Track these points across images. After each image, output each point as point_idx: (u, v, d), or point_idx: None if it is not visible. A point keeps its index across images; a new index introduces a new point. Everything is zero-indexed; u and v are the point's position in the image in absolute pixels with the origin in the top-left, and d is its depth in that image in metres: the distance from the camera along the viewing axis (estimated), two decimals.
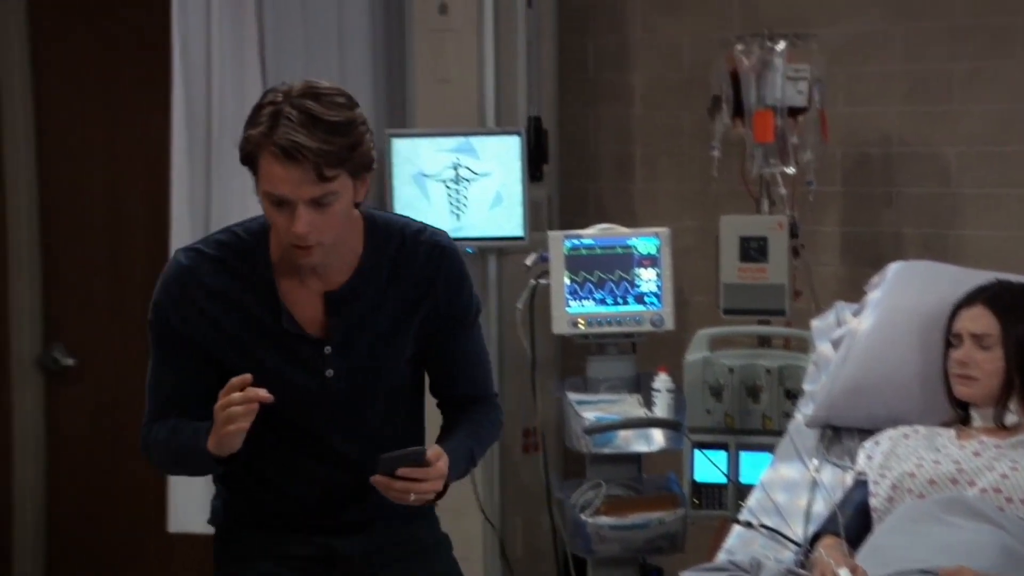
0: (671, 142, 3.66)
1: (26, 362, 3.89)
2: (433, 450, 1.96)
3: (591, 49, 3.73)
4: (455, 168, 3.39)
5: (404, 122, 3.55)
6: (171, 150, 3.33)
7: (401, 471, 1.91)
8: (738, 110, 3.18)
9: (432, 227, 2.08)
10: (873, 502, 2.25)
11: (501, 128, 3.43)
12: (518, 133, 3.38)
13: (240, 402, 1.88)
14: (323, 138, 1.86)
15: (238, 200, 3.18)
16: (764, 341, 3.29)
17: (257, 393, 1.89)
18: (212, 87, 3.28)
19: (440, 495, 1.99)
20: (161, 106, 3.37)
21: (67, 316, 3.87)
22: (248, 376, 1.90)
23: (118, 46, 3.80)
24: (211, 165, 3.31)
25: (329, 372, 2.01)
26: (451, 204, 3.40)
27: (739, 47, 3.16)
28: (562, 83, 3.64)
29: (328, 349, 2.00)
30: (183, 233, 3.23)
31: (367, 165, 1.94)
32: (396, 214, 2.12)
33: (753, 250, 3.16)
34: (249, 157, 1.92)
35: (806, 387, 2.70)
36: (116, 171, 3.88)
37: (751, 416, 3.11)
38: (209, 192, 3.32)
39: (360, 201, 1.98)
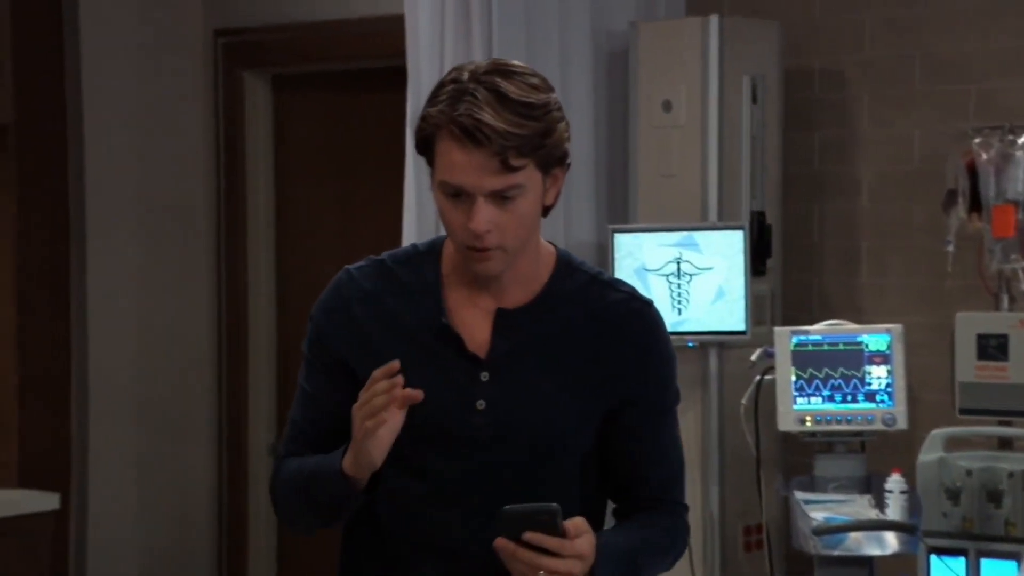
0: (900, 236, 3.58)
1: (260, 449, 4.09)
2: (574, 521, 1.60)
3: (816, 143, 3.70)
4: (677, 263, 3.39)
5: (626, 217, 3.58)
6: (401, 242, 3.45)
7: (529, 536, 1.57)
8: (975, 204, 3.10)
9: (635, 289, 1.79)
10: None
11: (724, 223, 3.42)
12: (741, 228, 3.37)
13: (385, 390, 1.59)
14: (512, 120, 1.59)
15: None
16: (1005, 443, 3.15)
17: (408, 392, 1.59)
18: None
19: None
20: (394, 193, 3.48)
21: None
22: (396, 363, 1.61)
23: (354, 123, 4.00)
24: None
25: (480, 403, 1.69)
26: (673, 298, 3.40)
27: (977, 140, 3.09)
28: (786, 177, 3.61)
29: (485, 375, 1.70)
30: None
31: (560, 159, 1.66)
32: None
33: (992, 348, 3.05)
34: (425, 141, 1.64)
35: None
36: (347, 263, 4.05)
37: (992, 521, 2.97)
38: None
39: (550, 205, 1.69)
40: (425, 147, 1.65)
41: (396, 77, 3.51)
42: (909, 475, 3.01)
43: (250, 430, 4.13)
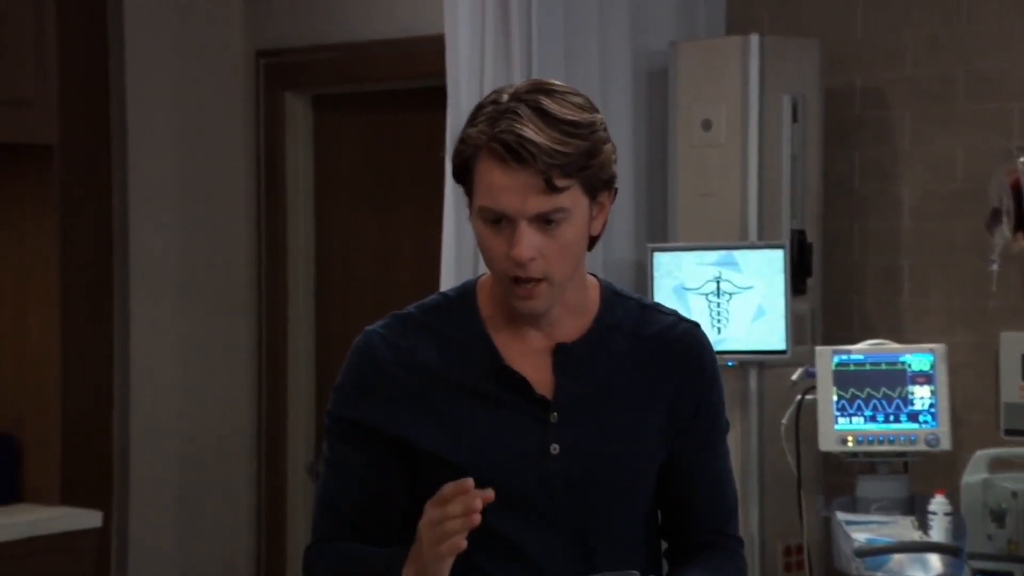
0: (942, 255, 3.56)
1: (299, 467, 4.12)
2: None
3: (857, 161, 3.68)
4: (717, 281, 3.38)
5: (666, 236, 3.58)
6: (440, 262, 3.46)
7: None
8: (1020, 223, 3.08)
9: (677, 311, 1.72)
10: None
11: (764, 242, 3.41)
12: (781, 247, 3.36)
13: (460, 513, 1.45)
14: (556, 137, 1.51)
15: None
16: None
17: (484, 494, 1.46)
18: None
19: None
20: (435, 212, 3.49)
21: None
22: (468, 481, 1.47)
23: (395, 142, 4.03)
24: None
25: (554, 447, 1.59)
26: (712, 317, 3.39)
27: (1021, 159, 3.07)
28: (827, 195, 3.60)
29: (555, 416, 1.60)
30: None
31: (607, 182, 1.57)
32: None
33: None
34: (464, 165, 1.55)
35: None
36: (386, 283, 4.07)
37: None
38: None
39: (597, 235, 1.60)
40: (463, 171, 1.56)
41: (436, 97, 3.52)
42: (953, 496, 2.98)
43: (289, 449, 4.15)
